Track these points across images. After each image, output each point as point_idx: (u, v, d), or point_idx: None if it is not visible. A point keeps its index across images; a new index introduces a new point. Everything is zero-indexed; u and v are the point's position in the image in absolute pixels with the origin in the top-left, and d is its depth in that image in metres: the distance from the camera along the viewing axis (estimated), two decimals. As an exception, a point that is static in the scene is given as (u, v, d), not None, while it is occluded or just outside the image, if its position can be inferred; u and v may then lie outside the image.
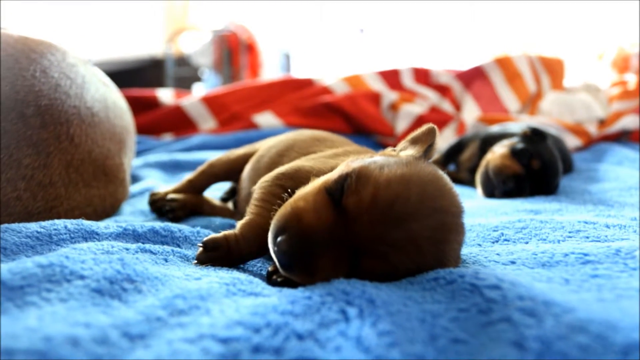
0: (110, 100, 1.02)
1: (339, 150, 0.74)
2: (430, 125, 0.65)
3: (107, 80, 1.10)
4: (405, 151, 0.63)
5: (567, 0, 4.94)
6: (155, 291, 0.50)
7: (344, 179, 0.53)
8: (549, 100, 2.25)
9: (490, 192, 1.20)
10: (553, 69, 2.46)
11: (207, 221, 0.92)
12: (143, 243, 0.68)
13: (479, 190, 1.25)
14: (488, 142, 1.38)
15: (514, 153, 1.20)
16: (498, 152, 1.24)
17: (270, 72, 5.20)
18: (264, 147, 0.89)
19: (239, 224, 0.66)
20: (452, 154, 1.56)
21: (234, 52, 5.28)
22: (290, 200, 0.56)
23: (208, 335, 0.39)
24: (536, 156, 1.19)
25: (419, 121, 2.14)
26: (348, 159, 0.64)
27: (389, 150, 0.65)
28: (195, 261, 0.63)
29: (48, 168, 0.85)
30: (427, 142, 0.63)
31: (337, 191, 0.53)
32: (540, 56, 2.50)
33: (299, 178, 0.65)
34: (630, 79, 2.27)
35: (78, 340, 0.37)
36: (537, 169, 1.18)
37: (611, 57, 2.48)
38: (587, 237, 0.73)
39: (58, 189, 0.85)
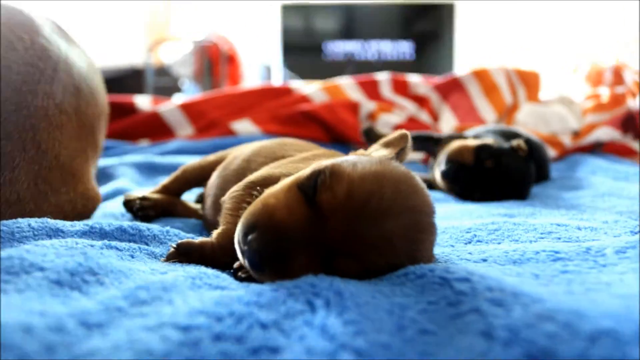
0: (85, 83, 0.90)
1: (307, 154, 0.73)
2: (403, 130, 0.65)
3: (84, 53, 0.99)
4: (377, 152, 0.62)
5: (543, 16, 5.03)
6: (118, 283, 0.48)
7: (317, 175, 0.52)
8: (524, 112, 2.28)
9: (443, 174, 1.23)
10: (529, 82, 2.49)
11: (179, 222, 0.91)
12: (109, 241, 0.66)
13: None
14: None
15: (478, 147, 1.21)
16: (469, 142, 1.26)
17: (250, 83, 5.19)
18: (231, 154, 0.88)
19: (215, 232, 0.64)
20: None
21: (214, 63, 5.27)
22: (261, 197, 0.54)
23: (168, 324, 0.38)
24: (496, 157, 1.19)
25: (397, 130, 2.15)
26: (318, 161, 0.63)
27: (360, 151, 0.64)
28: (164, 259, 0.62)
29: (14, 184, 0.76)
30: (399, 145, 0.63)
31: (310, 188, 0.52)
32: (516, 69, 2.53)
33: (269, 185, 0.63)
34: (604, 92, 2.31)
35: (31, 328, 0.36)
36: (490, 167, 1.18)
37: (585, 71, 2.53)
38: (559, 238, 0.74)
39: (26, 205, 0.77)
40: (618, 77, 2.34)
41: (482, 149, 1.20)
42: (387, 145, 0.63)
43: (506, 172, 1.18)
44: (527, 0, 5.07)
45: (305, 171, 0.55)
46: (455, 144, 1.27)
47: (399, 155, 0.61)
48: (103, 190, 1.27)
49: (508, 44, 5.04)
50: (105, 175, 1.48)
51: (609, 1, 4.76)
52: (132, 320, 0.39)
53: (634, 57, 4.24)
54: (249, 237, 0.50)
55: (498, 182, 1.17)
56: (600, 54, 2.71)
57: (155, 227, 0.75)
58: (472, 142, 1.26)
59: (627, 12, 4.79)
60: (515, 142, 1.26)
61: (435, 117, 2.34)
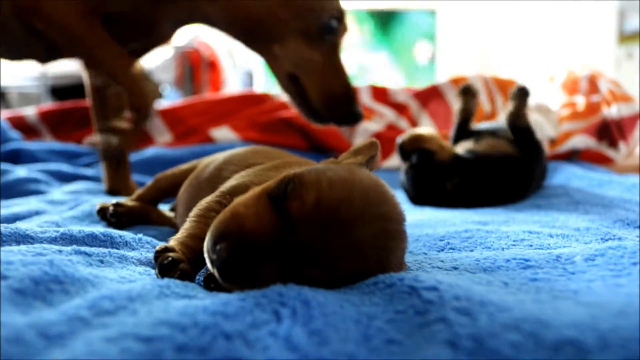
0: None
1: (278, 162, 0.72)
2: (373, 139, 0.65)
3: None
4: (347, 160, 0.62)
5: (521, 25, 5.10)
6: (83, 292, 0.48)
7: (286, 183, 0.52)
8: (502, 120, 2.30)
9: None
10: (506, 90, 2.51)
11: (153, 229, 0.90)
12: (79, 246, 0.65)
13: None
14: None
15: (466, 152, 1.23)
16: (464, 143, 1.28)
17: (232, 89, 5.18)
18: (203, 163, 0.87)
19: (171, 239, 0.63)
20: None
21: (195, 68, 5.25)
22: (230, 206, 0.54)
23: (130, 335, 0.37)
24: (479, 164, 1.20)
25: (376, 138, 2.16)
26: (288, 170, 0.62)
27: (330, 160, 0.64)
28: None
29: None
30: (368, 153, 0.63)
31: (279, 196, 0.51)
32: (494, 77, 2.56)
33: (239, 194, 0.62)
34: (579, 100, 2.34)
35: (-12, 340, 0.35)
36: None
37: (561, 79, 2.56)
38: (531, 245, 0.74)
39: None
40: (593, 85, 2.38)
41: (462, 160, 1.22)
42: (356, 153, 0.63)
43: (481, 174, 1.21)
44: (505, 11, 5.14)
45: (275, 179, 0.54)
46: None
47: (369, 163, 0.61)
48: (66, 189, 1.25)
49: (486, 53, 5.10)
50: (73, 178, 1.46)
51: (585, 11, 4.84)
52: (94, 331, 0.39)
53: (609, 65, 4.31)
54: (218, 247, 0.49)
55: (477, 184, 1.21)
56: (576, 63, 2.76)
57: (127, 234, 0.74)
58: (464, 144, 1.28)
59: (603, 22, 4.87)
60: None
61: (414, 124, 2.35)
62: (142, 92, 1.18)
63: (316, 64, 1.21)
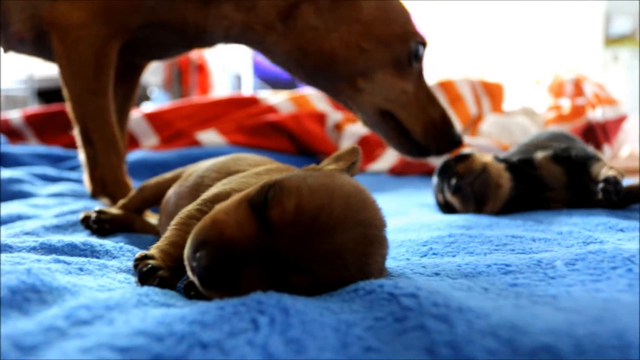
0: None
1: (260, 169, 0.72)
2: (354, 145, 0.65)
3: None
4: (328, 167, 0.62)
5: (508, 28, 5.14)
6: (61, 302, 0.47)
7: (267, 189, 0.52)
8: (488, 123, 2.31)
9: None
10: (493, 93, 2.53)
11: (136, 237, 0.90)
12: (59, 255, 0.65)
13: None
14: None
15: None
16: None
17: (220, 92, 5.17)
18: (187, 171, 0.87)
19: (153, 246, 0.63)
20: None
21: (184, 71, 5.24)
22: (210, 214, 0.53)
23: (106, 345, 0.37)
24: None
25: (363, 141, 2.16)
26: (270, 176, 0.62)
27: (312, 166, 0.64)
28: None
29: None
30: (350, 159, 0.63)
31: (260, 203, 0.51)
32: (481, 80, 2.58)
33: (220, 202, 0.62)
34: (565, 103, 2.36)
35: (-39, 351, 0.35)
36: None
37: (547, 82, 2.58)
38: (513, 250, 0.75)
39: None
40: (578, 89, 2.40)
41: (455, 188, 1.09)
42: (337, 159, 0.63)
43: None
44: (492, 14, 5.17)
45: (256, 186, 0.54)
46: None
47: (350, 169, 0.61)
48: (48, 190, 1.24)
49: (473, 56, 5.12)
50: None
51: (572, 15, 4.89)
52: (69, 341, 0.38)
53: (595, 68, 4.35)
54: (198, 254, 0.49)
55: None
56: (563, 66, 2.78)
57: (108, 243, 0.74)
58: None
59: (589, 25, 4.92)
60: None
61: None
62: (116, 185, 1.13)
63: (409, 94, 1.14)
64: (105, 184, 1.12)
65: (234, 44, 1.22)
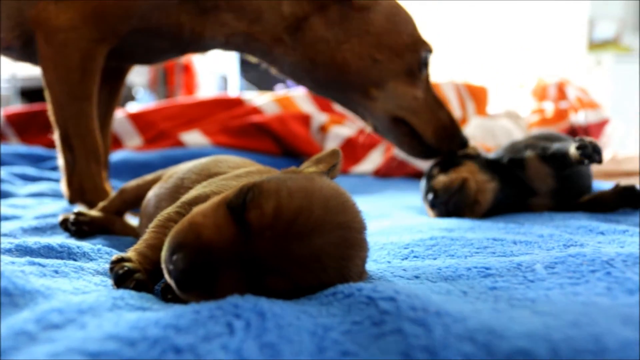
0: None
1: (241, 172, 0.71)
2: (335, 148, 0.65)
3: None
4: (308, 169, 0.62)
5: (493, 34, 5.17)
6: (33, 305, 0.46)
7: (245, 192, 0.51)
8: (473, 125, 2.32)
9: None
10: (478, 96, 2.55)
11: (115, 240, 0.89)
12: (34, 257, 0.64)
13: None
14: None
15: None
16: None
17: (206, 93, 5.15)
18: (166, 174, 0.86)
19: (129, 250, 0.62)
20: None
21: (169, 72, 5.21)
22: (188, 216, 0.53)
23: (76, 350, 0.36)
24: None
25: (348, 143, 2.16)
26: (250, 179, 0.62)
27: (292, 168, 0.64)
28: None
29: None
30: (330, 162, 0.63)
31: (238, 205, 0.51)
32: (466, 84, 2.59)
33: (200, 204, 0.61)
34: (548, 107, 2.38)
35: None
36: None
37: (531, 86, 2.60)
38: (494, 253, 0.75)
39: None
40: (561, 93, 2.42)
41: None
42: (318, 161, 0.63)
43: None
44: (477, 18, 5.20)
45: (234, 189, 0.54)
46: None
47: (330, 172, 0.61)
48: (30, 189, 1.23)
49: (458, 60, 5.15)
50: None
51: (556, 20, 4.93)
52: (39, 346, 0.37)
53: (580, 72, 4.39)
54: (175, 257, 0.48)
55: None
56: (548, 70, 2.80)
57: (85, 245, 0.73)
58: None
59: (574, 30, 4.97)
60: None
61: (384, 137, 2.36)
62: (95, 192, 1.10)
63: (421, 101, 1.17)
64: (83, 191, 1.10)
65: (236, 51, 1.21)
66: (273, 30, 1.10)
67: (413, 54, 1.15)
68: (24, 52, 1.16)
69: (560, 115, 2.28)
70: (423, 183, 1.19)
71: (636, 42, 4.80)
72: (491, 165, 1.14)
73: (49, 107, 1.12)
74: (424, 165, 1.90)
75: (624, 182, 1.15)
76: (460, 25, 5.22)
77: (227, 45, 1.17)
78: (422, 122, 1.18)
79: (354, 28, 1.11)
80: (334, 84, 1.15)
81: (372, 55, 1.11)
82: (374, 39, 1.11)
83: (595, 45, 5.00)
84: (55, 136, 1.13)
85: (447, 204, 1.08)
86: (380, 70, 1.13)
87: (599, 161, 1.03)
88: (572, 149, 1.05)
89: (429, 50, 1.18)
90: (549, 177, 1.13)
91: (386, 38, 1.12)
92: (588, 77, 4.71)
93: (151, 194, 0.82)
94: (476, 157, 1.17)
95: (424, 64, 1.17)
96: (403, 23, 1.15)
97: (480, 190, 1.09)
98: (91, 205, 1.09)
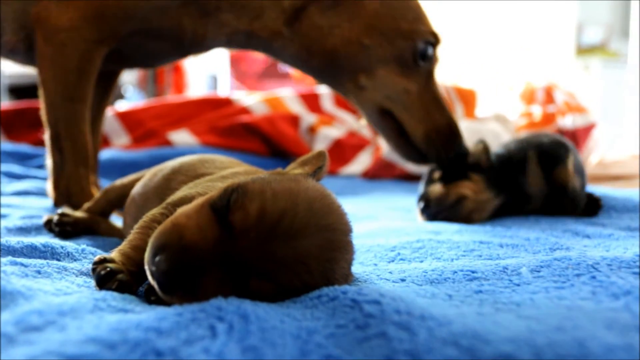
0: None
1: (227, 172, 0.71)
2: (321, 150, 0.65)
3: None
4: (294, 171, 0.62)
5: (482, 38, 5.20)
6: (13, 306, 0.45)
7: (229, 193, 0.51)
8: (461, 128, 2.33)
9: None
10: (466, 99, 2.55)
11: (100, 240, 0.87)
12: (16, 257, 0.63)
13: None
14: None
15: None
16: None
17: (196, 92, 5.13)
18: (151, 172, 0.85)
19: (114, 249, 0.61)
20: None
21: (159, 70, 5.18)
22: (171, 217, 0.52)
23: (54, 352, 0.35)
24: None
25: (337, 144, 2.16)
26: (236, 180, 0.61)
27: (278, 170, 0.63)
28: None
29: None
30: (316, 164, 0.62)
31: (222, 207, 0.50)
32: (455, 86, 2.59)
33: (184, 206, 0.60)
34: (536, 110, 2.39)
35: None
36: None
37: (520, 90, 2.62)
38: (480, 256, 0.75)
39: None
40: (549, 96, 2.44)
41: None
42: (304, 163, 0.63)
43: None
44: (467, 22, 5.22)
45: (218, 190, 0.53)
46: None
47: (316, 174, 0.60)
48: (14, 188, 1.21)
49: (447, 62, 5.16)
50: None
51: (545, 25, 4.97)
52: (17, 348, 0.37)
53: (568, 77, 4.43)
54: (157, 258, 0.48)
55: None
56: (537, 74, 2.82)
57: (69, 245, 0.72)
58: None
59: (562, 35, 5.00)
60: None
61: (375, 131, 2.36)
62: (81, 196, 1.08)
63: (413, 95, 1.10)
64: (70, 194, 1.08)
65: (237, 48, 1.20)
66: (273, 25, 1.09)
67: (406, 41, 1.08)
68: (29, 55, 1.14)
69: (548, 119, 2.29)
70: (422, 183, 1.15)
71: (624, 47, 4.84)
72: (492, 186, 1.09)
73: (41, 107, 1.10)
74: (412, 167, 1.90)
75: (611, 185, 1.16)
76: (449, 28, 5.23)
77: (227, 44, 1.16)
78: (412, 119, 1.11)
79: (346, 12, 1.07)
80: (327, 71, 1.12)
81: (360, 39, 1.06)
82: (365, 23, 1.07)
83: (583, 50, 5.04)
84: (46, 136, 1.11)
85: (436, 216, 1.05)
86: (368, 56, 1.08)
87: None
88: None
89: (430, 42, 1.10)
90: (541, 180, 1.10)
91: (377, 22, 1.07)
92: (576, 82, 4.75)
93: (134, 193, 0.81)
94: (487, 170, 1.10)
95: (423, 56, 1.10)
96: (402, 9, 1.09)
97: (477, 210, 1.06)
98: (77, 208, 1.08)
